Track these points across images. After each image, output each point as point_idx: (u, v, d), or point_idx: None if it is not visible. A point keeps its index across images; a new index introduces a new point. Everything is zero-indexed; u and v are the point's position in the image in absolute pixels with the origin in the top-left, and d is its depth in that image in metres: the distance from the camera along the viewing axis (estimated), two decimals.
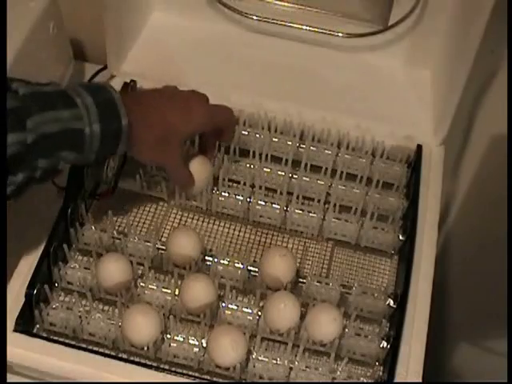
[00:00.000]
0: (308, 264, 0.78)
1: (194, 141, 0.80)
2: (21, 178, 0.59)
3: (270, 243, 0.79)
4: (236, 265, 0.74)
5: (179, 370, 0.68)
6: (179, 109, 0.71)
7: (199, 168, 0.76)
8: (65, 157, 0.61)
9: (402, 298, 0.71)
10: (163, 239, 0.77)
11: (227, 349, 0.66)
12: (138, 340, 0.67)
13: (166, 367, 0.68)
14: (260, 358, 0.68)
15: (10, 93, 0.58)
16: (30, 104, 0.58)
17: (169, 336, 0.69)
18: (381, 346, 0.70)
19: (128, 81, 0.87)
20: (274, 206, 0.78)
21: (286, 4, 0.92)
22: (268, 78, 0.91)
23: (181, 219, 0.81)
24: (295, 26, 0.90)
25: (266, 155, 0.82)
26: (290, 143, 0.84)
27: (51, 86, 0.62)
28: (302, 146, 0.84)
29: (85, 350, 0.68)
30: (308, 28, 0.90)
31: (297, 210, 0.78)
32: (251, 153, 0.82)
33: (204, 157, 0.78)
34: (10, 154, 0.56)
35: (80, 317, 0.69)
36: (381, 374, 0.69)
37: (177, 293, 0.71)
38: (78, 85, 0.63)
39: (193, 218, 0.81)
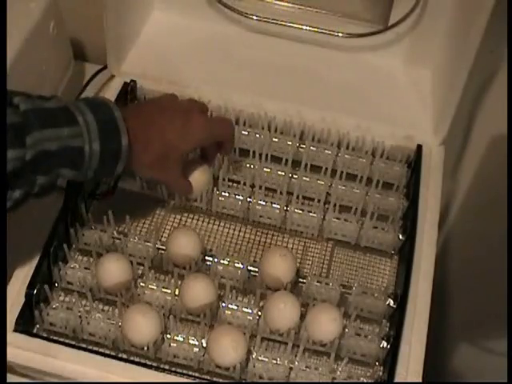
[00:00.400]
0: (308, 264, 0.78)
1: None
2: (18, 194, 0.59)
3: (270, 243, 0.79)
4: (236, 265, 0.73)
5: (179, 370, 0.68)
6: (179, 124, 0.70)
7: (198, 174, 0.76)
8: (63, 174, 0.62)
9: (402, 298, 0.71)
10: (163, 239, 0.77)
11: (227, 349, 0.66)
12: (138, 340, 0.67)
13: (166, 367, 0.68)
14: (260, 358, 0.68)
15: (11, 108, 0.58)
16: (30, 120, 0.58)
17: (169, 336, 0.69)
18: (381, 346, 0.70)
19: (128, 81, 0.87)
20: (273, 205, 0.78)
21: (285, 4, 0.92)
22: (268, 77, 0.91)
23: (181, 219, 0.81)
24: (295, 26, 0.90)
25: (266, 155, 0.82)
26: (290, 143, 0.84)
27: (53, 102, 0.61)
28: (302, 145, 0.84)
29: (85, 349, 0.68)
30: (308, 28, 0.90)
31: (297, 210, 0.78)
32: (251, 153, 0.82)
33: (203, 163, 0.78)
34: (8, 170, 0.56)
35: (80, 317, 0.69)
36: (381, 374, 0.69)
37: (177, 293, 0.71)
38: (80, 100, 0.63)
39: (193, 218, 0.81)
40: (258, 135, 0.84)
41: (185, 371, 0.68)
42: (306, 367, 0.68)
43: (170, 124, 0.69)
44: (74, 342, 0.69)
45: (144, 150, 0.67)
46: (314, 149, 0.83)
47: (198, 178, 0.76)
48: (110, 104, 0.64)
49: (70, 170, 0.62)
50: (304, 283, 0.73)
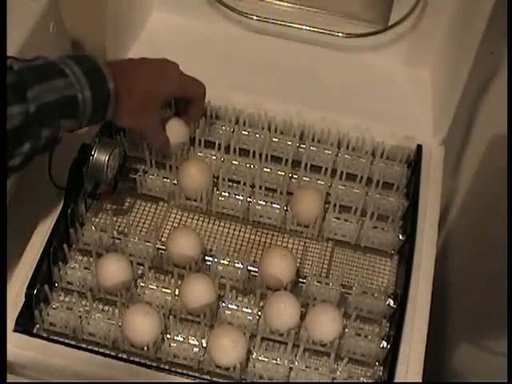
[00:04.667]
0: (308, 264, 0.78)
1: (171, 104, 0.81)
2: (27, 148, 0.62)
3: (270, 243, 0.79)
4: (236, 265, 0.74)
5: (179, 370, 0.68)
6: (157, 72, 0.74)
7: (176, 131, 0.79)
8: (64, 124, 0.65)
9: (402, 298, 0.71)
10: (163, 239, 0.77)
11: (227, 349, 0.66)
12: (138, 340, 0.67)
13: (166, 367, 0.68)
14: (260, 358, 0.68)
15: (5, 69, 0.61)
16: (26, 77, 0.61)
17: (169, 336, 0.69)
18: (381, 346, 0.70)
19: None
20: (273, 205, 0.78)
21: (285, 4, 0.92)
22: (268, 77, 0.91)
23: (181, 219, 0.81)
24: (295, 26, 0.90)
25: (266, 155, 0.82)
26: (290, 143, 0.84)
27: (41, 60, 0.65)
28: (302, 146, 0.84)
29: (85, 350, 0.68)
30: (308, 28, 0.90)
31: None
32: (251, 153, 0.82)
33: (180, 120, 0.80)
34: (15, 125, 0.59)
35: (80, 317, 0.69)
36: (381, 374, 0.69)
37: (177, 293, 0.71)
38: (63, 56, 0.67)
39: (193, 218, 0.81)
40: (258, 135, 0.84)
41: (185, 371, 0.68)
42: (306, 367, 0.68)
43: (149, 72, 0.74)
44: (73, 342, 0.69)
45: (125, 97, 0.70)
46: (314, 149, 0.83)
47: (176, 135, 0.78)
48: (91, 56, 0.68)
49: (69, 120, 0.65)
50: (304, 283, 0.73)
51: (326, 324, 0.68)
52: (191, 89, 0.79)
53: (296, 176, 0.81)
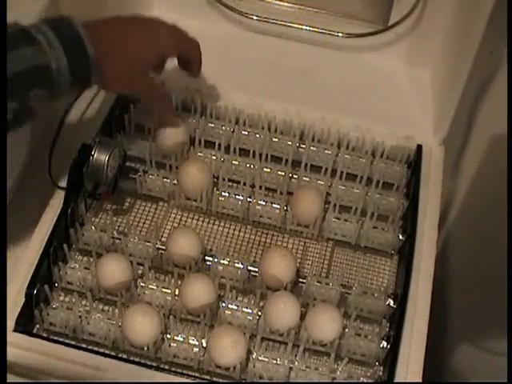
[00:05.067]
0: (308, 264, 0.78)
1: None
2: None
3: (270, 243, 0.79)
4: (236, 265, 0.74)
5: (179, 370, 0.68)
6: (142, 32, 0.69)
7: (176, 130, 0.79)
8: (36, 96, 0.61)
9: (402, 298, 0.71)
10: (163, 239, 0.77)
11: (227, 349, 0.66)
12: (138, 340, 0.67)
13: (166, 367, 0.68)
14: (260, 358, 0.68)
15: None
16: None
17: (169, 336, 0.69)
18: (381, 346, 0.70)
19: None
20: (273, 205, 0.78)
21: (285, 4, 0.92)
22: (268, 77, 0.91)
23: (181, 219, 0.81)
24: (295, 26, 0.90)
25: (266, 155, 0.82)
26: (290, 143, 0.84)
27: (12, 27, 0.61)
28: (302, 146, 0.84)
29: (85, 350, 0.68)
30: (308, 28, 0.90)
31: None
32: (251, 153, 0.82)
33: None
34: None
35: (80, 317, 0.69)
36: (381, 373, 0.69)
37: (177, 293, 0.71)
38: (41, 21, 0.63)
39: (193, 218, 0.81)
40: (258, 135, 0.84)
41: (185, 371, 0.68)
42: (306, 367, 0.68)
43: (133, 35, 0.69)
44: (73, 342, 0.69)
45: (108, 61, 0.66)
46: (314, 149, 0.83)
47: (175, 133, 0.79)
48: (71, 19, 0.64)
49: (42, 90, 0.61)
50: (304, 283, 0.73)
51: (325, 324, 0.68)
52: (186, 47, 0.74)
53: (296, 176, 0.81)
